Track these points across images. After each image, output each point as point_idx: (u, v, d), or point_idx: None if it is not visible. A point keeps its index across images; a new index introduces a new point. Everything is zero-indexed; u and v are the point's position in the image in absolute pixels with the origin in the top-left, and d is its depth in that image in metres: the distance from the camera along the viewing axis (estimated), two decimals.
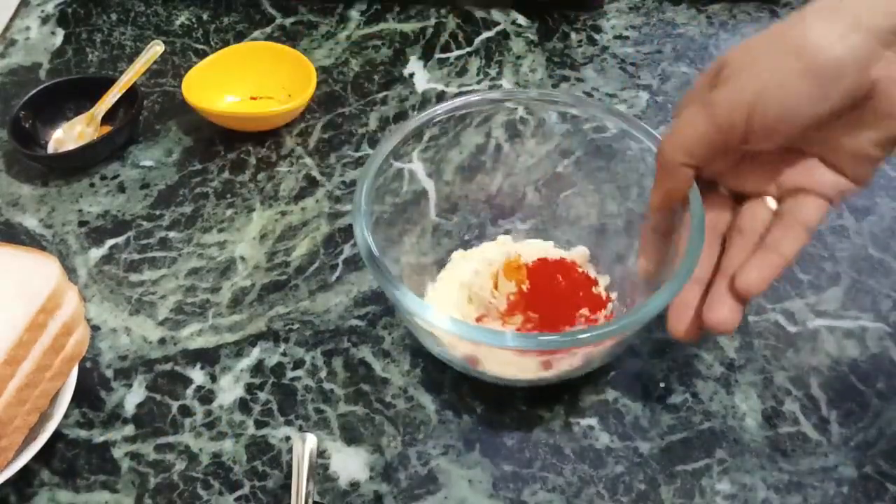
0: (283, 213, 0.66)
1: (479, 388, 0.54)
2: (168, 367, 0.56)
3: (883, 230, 0.63)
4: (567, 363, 0.49)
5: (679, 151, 0.44)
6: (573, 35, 0.81)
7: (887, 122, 0.41)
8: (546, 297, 0.53)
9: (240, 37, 0.82)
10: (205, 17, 0.84)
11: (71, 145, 0.71)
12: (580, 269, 0.56)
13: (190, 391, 0.55)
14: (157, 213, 0.66)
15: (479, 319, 0.55)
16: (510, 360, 0.49)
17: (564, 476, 0.50)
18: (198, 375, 0.56)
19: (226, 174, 0.69)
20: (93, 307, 0.60)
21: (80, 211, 0.67)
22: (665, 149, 0.45)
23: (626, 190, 0.57)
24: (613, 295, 0.57)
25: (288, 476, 0.51)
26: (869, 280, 0.60)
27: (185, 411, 0.54)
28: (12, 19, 0.85)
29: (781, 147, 0.44)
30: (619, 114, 0.55)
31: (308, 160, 0.70)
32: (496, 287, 0.55)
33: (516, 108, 0.58)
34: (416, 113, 0.56)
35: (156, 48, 0.73)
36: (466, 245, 0.60)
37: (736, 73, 0.42)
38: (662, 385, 0.54)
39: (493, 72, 0.77)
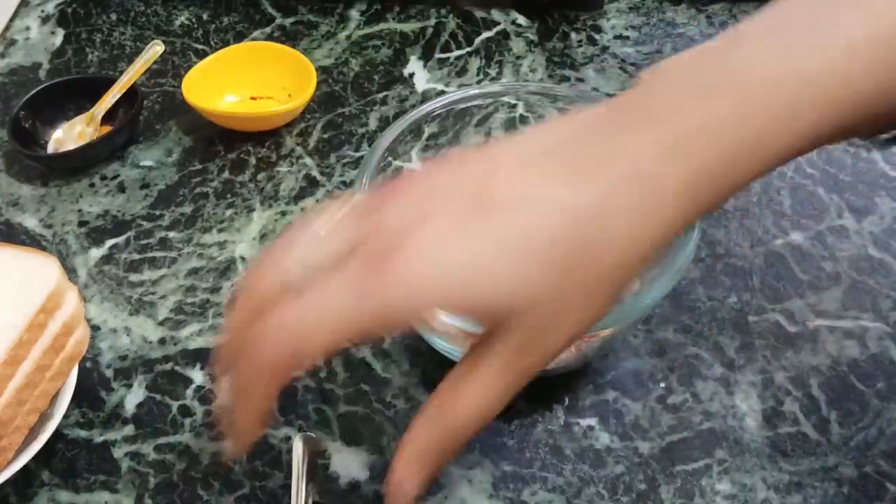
0: (283, 213, 0.66)
1: None
2: (168, 367, 0.56)
3: (883, 230, 0.63)
4: (563, 355, 0.49)
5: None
6: (573, 35, 0.81)
7: None
8: None
9: (240, 37, 0.82)
10: (205, 17, 0.84)
11: (71, 145, 0.71)
12: None
13: (190, 391, 0.55)
14: (157, 213, 0.66)
15: None
16: None
17: (564, 476, 0.50)
18: (198, 375, 0.56)
19: (226, 174, 0.69)
20: (93, 307, 0.60)
21: (80, 211, 0.67)
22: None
23: None
24: None
25: (288, 476, 0.51)
26: (869, 280, 0.60)
27: (185, 411, 0.54)
28: (12, 19, 0.85)
29: None
30: None
31: (308, 160, 0.70)
32: None
33: (516, 106, 0.58)
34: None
35: (156, 48, 0.73)
36: None
37: None
38: (662, 385, 0.54)
39: (493, 72, 0.77)
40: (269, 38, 0.81)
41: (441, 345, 0.52)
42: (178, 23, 0.84)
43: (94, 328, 0.59)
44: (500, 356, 0.32)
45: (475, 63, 0.78)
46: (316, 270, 0.31)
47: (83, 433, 0.53)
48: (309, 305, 0.31)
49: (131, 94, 0.72)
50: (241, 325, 0.33)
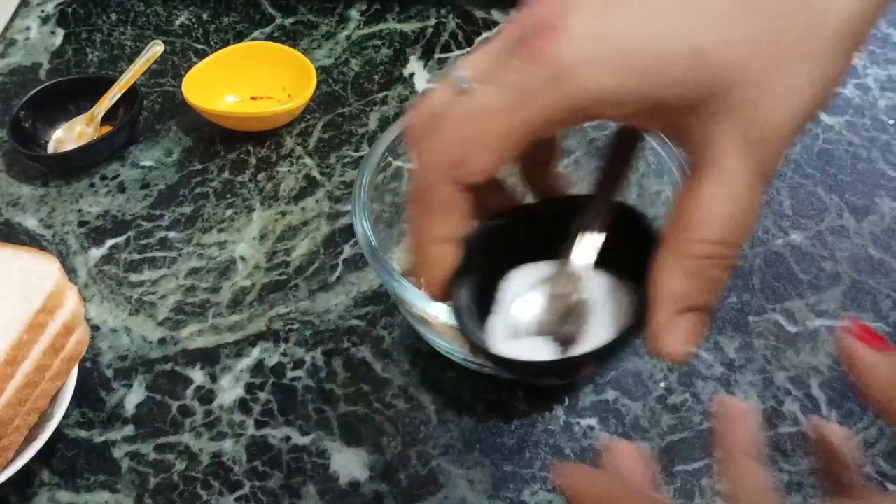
0: (283, 213, 0.66)
1: (479, 388, 0.54)
2: (168, 367, 0.56)
3: (883, 230, 0.63)
4: None
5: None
6: None
7: None
8: None
9: (240, 37, 0.82)
10: (205, 17, 0.84)
11: (71, 145, 0.71)
12: None
13: (190, 391, 0.55)
14: (157, 213, 0.66)
15: None
16: None
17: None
18: (198, 375, 0.56)
19: (226, 174, 0.69)
20: (93, 307, 0.60)
21: (80, 211, 0.67)
22: (418, 142, 0.28)
23: (626, 190, 0.57)
24: None
25: (288, 476, 0.51)
26: (869, 280, 0.60)
27: (185, 411, 0.54)
28: (12, 19, 0.85)
29: None
30: None
31: (308, 160, 0.70)
32: None
33: None
34: None
35: (156, 48, 0.73)
36: None
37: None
38: (662, 385, 0.54)
39: None
40: (269, 38, 0.81)
41: (441, 345, 0.52)
42: (178, 23, 0.84)
43: (94, 328, 0.59)
44: (726, 153, 0.26)
45: None
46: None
47: (83, 433, 0.53)
48: (476, 101, 0.26)
49: (131, 94, 0.72)
50: (416, 132, 0.28)
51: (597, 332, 0.31)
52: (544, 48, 0.25)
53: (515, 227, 0.33)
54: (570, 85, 0.25)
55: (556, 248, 0.32)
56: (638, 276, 0.30)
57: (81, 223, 0.66)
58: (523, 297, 0.32)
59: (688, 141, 0.27)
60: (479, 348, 0.30)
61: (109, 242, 0.64)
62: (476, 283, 0.32)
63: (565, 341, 0.31)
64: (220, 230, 0.65)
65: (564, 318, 0.31)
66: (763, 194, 0.27)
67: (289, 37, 0.81)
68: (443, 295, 0.30)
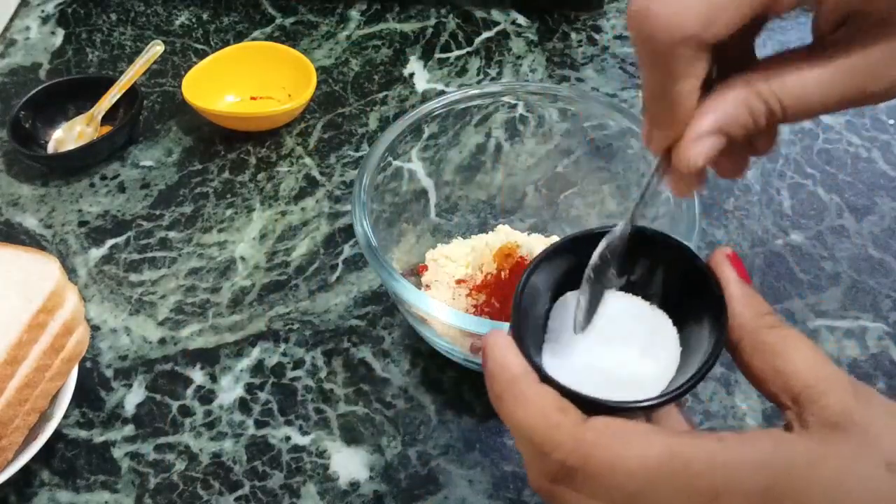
0: (283, 213, 0.66)
1: (479, 388, 0.54)
2: (168, 367, 0.56)
3: (883, 230, 0.63)
4: None
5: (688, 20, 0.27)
6: (573, 35, 0.81)
7: None
8: (513, 293, 0.53)
9: (240, 37, 0.82)
10: (205, 17, 0.84)
11: (71, 145, 0.71)
12: None
13: (190, 391, 0.55)
14: (157, 213, 0.66)
15: (459, 281, 0.55)
16: None
17: None
18: (198, 375, 0.56)
19: (226, 174, 0.69)
20: (93, 307, 0.60)
21: (80, 211, 0.67)
22: (657, 10, 0.28)
23: (626, 190, 0.57)
24: None
25: (288, 476, 0.51)
26: (869, 280, 0.60)
27: (185, 411, 0.54)
28: (12, 19, 0.85)
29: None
30: (621, 109, 0.55)
31: (308, 160, 0.70)
32: (485, 263, 0.55)
33: (516, 106, 0.58)
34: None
35: (156, 48, 0.73)
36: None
37: None
38: None
39: (493, 72, 0.77)
40: (269, 38, 0.81)
41: (441, 345, 0.52)
42: (178, 23, 0.84)
43: (94, 328, 0.59)
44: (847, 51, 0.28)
45: (475, 63, 0.78)
46: None
47: (83, 433, 0.53)
48: None
49: (131, 94, 0.72)
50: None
51: (648, 364, 0.32)
52: None
53: (560, 260, 0.34)
54: None
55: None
56: (683, 310, 0.32)
57: (81, 223, 0.66)
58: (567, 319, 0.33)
59: None
60: (550, 380, 0.30)
61: (109, 242, 0.64)
62: (533, 313, 0.33)
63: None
64: (220, 230, 0.65)
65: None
66: None
67: (289, 37, 0.81)
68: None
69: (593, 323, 0.33)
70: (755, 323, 0.29)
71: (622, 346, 0.32)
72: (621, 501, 0.27)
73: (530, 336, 0.32)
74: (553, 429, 0.28)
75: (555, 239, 0.60)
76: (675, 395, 0.30)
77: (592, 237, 0.34)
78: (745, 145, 0.32)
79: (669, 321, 0.33)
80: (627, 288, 0.34)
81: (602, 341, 0.33)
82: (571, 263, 0.34)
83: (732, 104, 0.29)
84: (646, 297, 0.34)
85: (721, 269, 0.31)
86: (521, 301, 0.32)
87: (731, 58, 0.30)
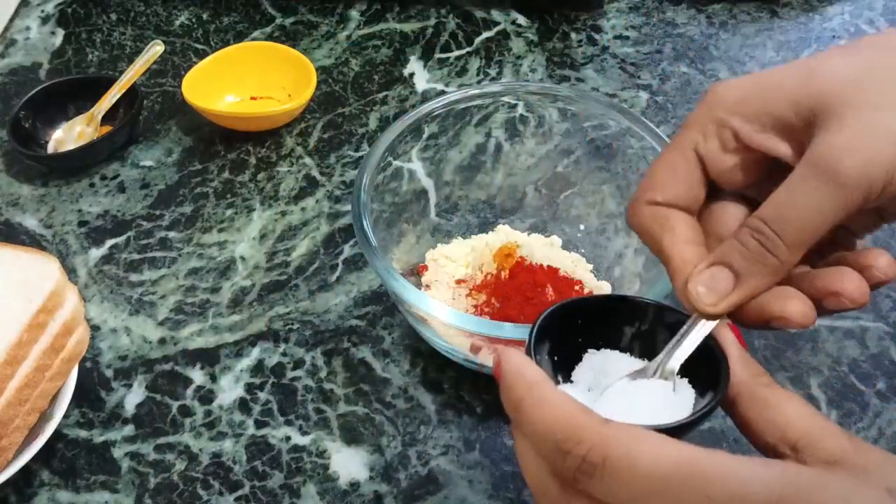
0: (283, 213, 0.66)
1: (479, 388, 0.54)
2: (168, 367, 0.56)
3: (883, 230, 0.63)
4: None
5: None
6: (573, 35, 0.81)
7: None
8: (513, 293, 0.53)
9: (240, 37, 0.82)
10: (205, 17, 0.84)
11: (71, 145, 0.71)
12: (576, 287, 0.56)
13: (190, 391, 0.55)
14: (157, 213, 0.66)
15: (459, 281, 0.56)
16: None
17: None
18: (198, 375, 0.56)
19: (226, 174, 0.69)
20: (93, 307, 0.60)
21: (80, 211, 0.67)
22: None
23: (626, 190, 0.57)
24: None
25: (288, 476, 0.51)
26: None
27: (185, 411, 0.54)
28: (12, 19, 0.85)
29: None
30: (621, 109, 0.55)
31: (308, 160, 0.70)
32: (485, 263, 0.55)
33: (516, 106, 0.58)
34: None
35: (156, 48, 0.73)
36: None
37: (853, 117, 0.30)
38: None
39: (493, 72, 0.77)
40: (269, 38, 0.81)
41: (441, 345, 0.52)
42: (178, 23, 0.84)
43: (94, 328, 0.59)
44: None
45: (475, 63, 0.78)
46: None
47: (83, 433, 0.53)
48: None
49: (131, 94, 0.72)
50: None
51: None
52: None
53: (579, 314, 0.36)
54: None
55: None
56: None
57: (81, 223, 0.66)
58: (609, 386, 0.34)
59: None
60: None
61: (109, 242, 0.64)
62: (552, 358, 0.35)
63: None
64: (220, 230, 0.65)
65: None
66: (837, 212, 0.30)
67: (289, 37, 0.81)
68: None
69: (601, 380, 0.34)
70: (751, 381, 0.31)
71: (631, 399, 0.33)
72: (636, 500, 0.27)
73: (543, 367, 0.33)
74: (578, 424, 0.28)
75: (555, 239, 0.60)
76: (691, 421, 0.31)
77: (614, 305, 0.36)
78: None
79: (681, 380, 0.34)
80: (632, 351, 0.36)
81: (612, 397, 0.33)
82: (590, 320, 0.35)
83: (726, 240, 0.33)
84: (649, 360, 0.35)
85: (721, 333, 0.33)
86: (537, 334, 0.33)
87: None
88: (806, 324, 0.33)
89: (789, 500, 0.26)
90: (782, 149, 0.32)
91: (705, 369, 0.32)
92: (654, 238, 0.34)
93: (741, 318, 0.33)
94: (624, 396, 0.33)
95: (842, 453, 0.28)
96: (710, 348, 0.32)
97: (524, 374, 0.30)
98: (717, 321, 0.33)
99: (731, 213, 0.35)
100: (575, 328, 0.35)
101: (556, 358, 0.35)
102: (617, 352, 0.35)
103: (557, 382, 0.34)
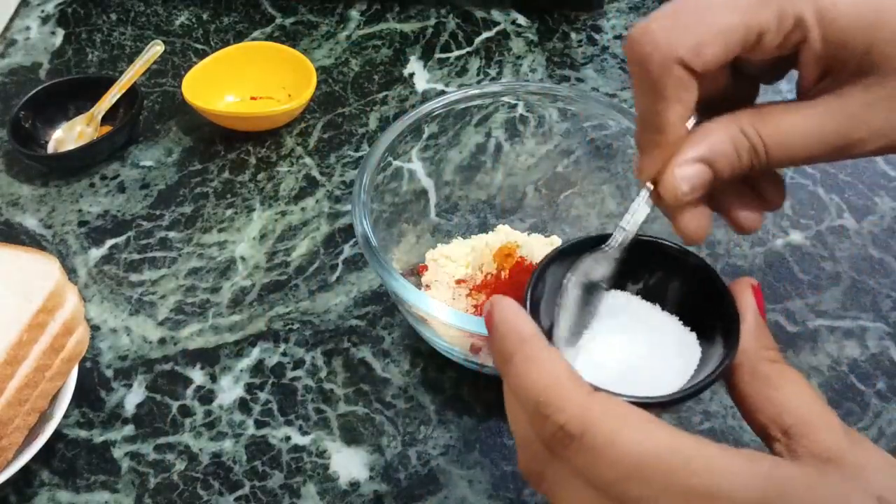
0: (283, 213, 0.66)
1: (479, 387, 0.54)
2: (168, 367, 0.56)
3: (883, 230, 0.63)
4: None
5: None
6: (573, 35, 0.81)
7: None
8: (513, 293, 0.53)
9: (240, 37, 0.82)
10: (205, 17, 0.84)
11: (71, 145, 0.71)
12: None
13: (190, 391, 0.55)
14: (157, 213, 0.66)
15: (459, 281, 0.56)
16: None
17: None
18: (198, 375, 0.56)
19: (226, 174, 0.69)
20: (93, 307, 0.60)
21: (80, 211, 0.67)
22: (654, 33, 0.30)
23: (626, 190, 0.57)
24: None
25: (288, 476, 0.51)
26: (869, 280, 0.60)
27: (185, 411, 0.54)
28: (12, 19, 0.85)
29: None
30: (621, 109, 0.55)
31: (308, 160, 0.70)
32: (485, 263, 0.55)
33: (516, 106, 0.58)
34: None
35: (156, 48, 0.73)
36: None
37: None
38: None
39: (493, 72, 0.77)
40: (269, 38, 0.81)
41: (441, 345, 0.52)
42: (178, 23, 0.84)
43: (94, 328, 0.59)
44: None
45: (475, 63, 0.78)
46: None
47: (83, 433, 0.53)
48: None
49: (131, 94, 0.72)
50: (655, 17, 0.31)
51: (660, 371, 0.32)
52: None
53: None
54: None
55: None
56: (703, 327, 0.33)
57: (81, 223, 0.66)
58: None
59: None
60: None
61: (109, 242, 0.64)
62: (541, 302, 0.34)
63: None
64: (220, 230, 0.65)
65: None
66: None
67: (289, 37, 0.81)
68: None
69: (603, 321, 0.33)
70: (758, 353, 0.30)
71: (631, 344, 0.33)
72: (610, 482, 0.26)
73: (540, 318, 0.33)
74: (562, 391, 0.27)
75: (555, 239, 0.60)
76: (681, 398, 0.30)
77: (598, 240, 0.34)
78: (755, 197, 0.33)
79: (686, 329, 0.34)
80: (643, 294, 0.35)
81: (611, 339, 0.33)
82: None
83: (717, 136, 0.31)
84: (661, 305, 0.34)
85: (743, 295, 0.32)
86: (534, 284, 0.33)
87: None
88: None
89: (773, 500, 0.25)
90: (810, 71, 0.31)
91: (717, 330, 0.32)
92: (661, 100, 0.30)
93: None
94: (613, 333, 0.33)
95: (836, 450, 0.27)
96: (726, 308, 0.32)
97: (516, 326, 0.29)
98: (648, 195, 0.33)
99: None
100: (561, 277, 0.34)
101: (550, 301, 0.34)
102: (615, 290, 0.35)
103: (550, 336, 0.33)
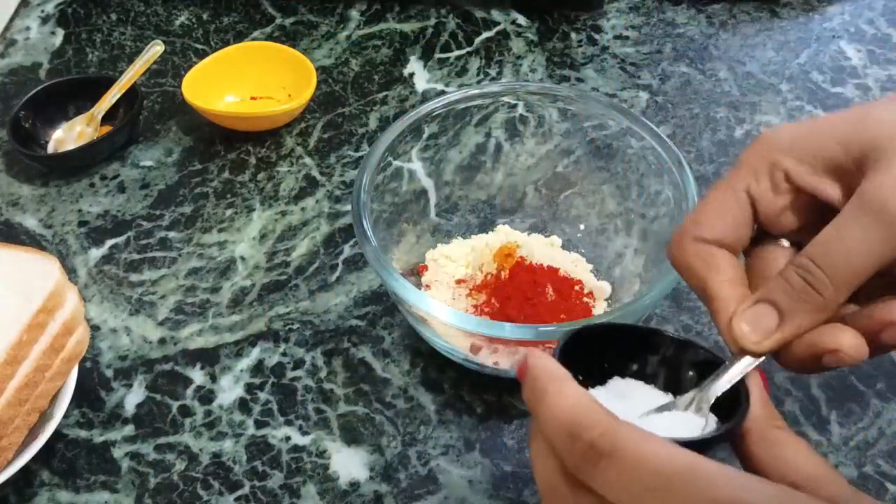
0: (283, 213, 0.66)
1: (479, 387, 0.54)
2: (168, 367, 0.56)
3: None
4: None
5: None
6: (573, 35, 0.81)
7: None
8: (513, 293, 0.53)
9: (240, 37, 0.82)
10: (205, 17, 0.84)
11: (71, 145, 0.71)
12: (576, 287, 0.56)
13: (190, 391, 0.55)
14: (157, 213, 0.66)
15: (459, 281, 0.56)
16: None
17: None
18: (198, 375, 0.56)
19: (226, 174, 0.69)
20: (93, 307, 0.60)
21: (80, 211, 0.67)
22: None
23: (627, 190, 0.57)
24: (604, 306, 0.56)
25: (288, 476, 0.51)
26: None
27: (185, 411, 0.54)
28: (12, 19, 0.85)
29: None
30: (621, 109, 0.55)
31: (308, 160, 0.70)
32: (485, 263, 0.55)
33: (516, 106, 0.58)
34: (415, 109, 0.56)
35: (156, 48, 0.73)
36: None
37: None
38: None
39: (493, 72, 0.77)
40: (269, 38, 0.81)
41: (441, 345, 0.52)
42: (178, 23, 0.84)
43: (94, 328, 0.59)
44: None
45: (475, 63, 0.78)
46: None
47: (83, 433, 0.53)
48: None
49: (131, 94, 0.72)
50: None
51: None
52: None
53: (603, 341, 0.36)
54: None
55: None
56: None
57: (81, 223, 0.66)
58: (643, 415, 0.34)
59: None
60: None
61: (109, 242, 0.64)
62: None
63: None
64: (220, 230, 0.65)
65: None
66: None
67: (289, 37, 0.81)
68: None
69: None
70: (766, 421, 0.31)
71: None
72: (638, 496, 0.27)
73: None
74: (593, 413, 0.29)
75: (555, 239, 0.60)
76: (707, 440, 0.31)
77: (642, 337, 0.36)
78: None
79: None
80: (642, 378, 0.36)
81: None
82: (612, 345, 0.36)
83: (774, 278, 0.33)
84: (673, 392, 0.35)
85: (748, 376, 0.33)
86: (560, 354, 0.34)
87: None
88: (859, 356, 0.32)
89: None
90: (832, 191, 0.33)
91: (726, 405, 0.33)
92: (698, 275, 0.34)
93: (790, 356, 0.33)
94: (650, 424, 0.33)
95: (843, 500, 0.28)
96: (734, 387, 0.33)
97: (550, 369, 0.31)
98: (760, 360, 0.32)
99: (776, 256, 0.35)
100: (597, 352, 0.35)
101: (579, 378, 0.35)
102: (642, 382, 0.35)
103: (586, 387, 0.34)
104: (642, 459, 0.27)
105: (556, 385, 0.30)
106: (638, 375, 0.35)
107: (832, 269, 0.31)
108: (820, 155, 0.33)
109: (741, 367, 0.33)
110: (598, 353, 0.35)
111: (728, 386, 0.33)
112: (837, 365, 0.32)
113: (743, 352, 0.33)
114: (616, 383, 0.35)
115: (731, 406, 0.32)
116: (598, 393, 0.34)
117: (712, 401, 0.33)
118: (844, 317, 0.33)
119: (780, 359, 0.33)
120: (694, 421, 0.33)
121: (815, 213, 0.34)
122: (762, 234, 0.36)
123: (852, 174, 0.32)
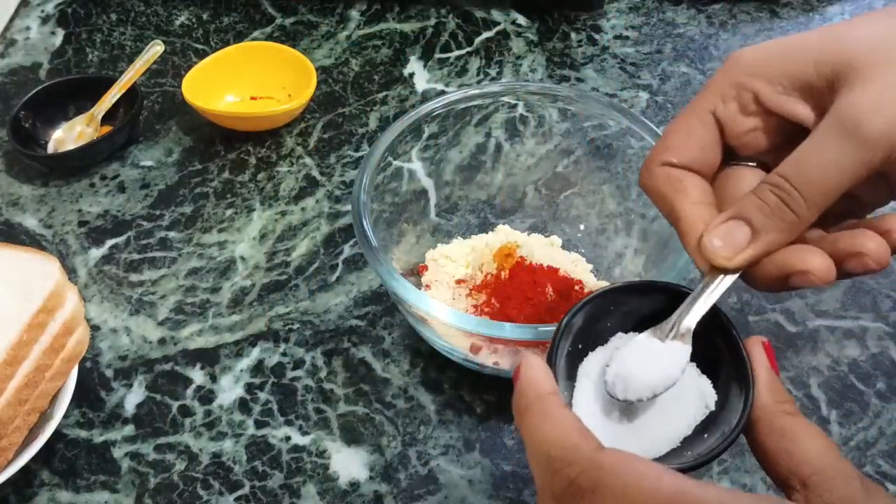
0: (283, 213, 0.66)
1: (479, 387, 0.54)
2: (168, 367, 0.56)
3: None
4: None
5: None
6: (573, 35, 0.81)
7: None
8: (513, 293, 0.53)
9: (240, 37, 0.82)
10: (205, 17, 0.84)
11: (71, 145, 0.71)
12: (576, 287, 0.56)
13: (190, 391, 0.55)
14: (157, 213, 0.66)
15: (459, 281, 0.56)
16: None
17: None
18: (198, 375, 0.56)
19: (226, 174, 0.69)
20: (93, 307, 0.60)
21: (80, 211, 0.67)
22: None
23: (626, 190, 0.57)
24: None
25: (288, 476, 0.51)
26: (869, 280, 0.60)
27: (185, 411, 0.54)
28: (12, 19, 0.85)
29: None
30: (621, 109, 0.55)
31: (308, 160, 0.70)
32: (485, 263, 0.56)
33: (516, 106, 0.58)
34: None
35: (156, 48, 0.73)
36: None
37: (878, 76, 0.30)
38: None
39: (493, 72, 0.77)
40: (269, 38, 0.81)
41: (441, 345, 0.52)
42: (178, 23, 0.84)
43: (94, 328, 0.59)
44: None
45: (475, 63, 0.78)
46: None
47: (83, 433, 0.53)
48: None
49: (131, 94, 0.72)
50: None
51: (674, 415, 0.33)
52: None
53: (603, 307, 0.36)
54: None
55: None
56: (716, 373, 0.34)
57: (81, 223, 0.66)
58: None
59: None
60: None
61: (109, 242, 0.64)
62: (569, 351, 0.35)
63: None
64: (220, 230, 0.65)
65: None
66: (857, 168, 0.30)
67: (289, 37, 0.81)
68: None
69: (625, 369, 0.34)
70: (774, 407, 0.31)
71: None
72: None
73: (563, 370, 0.34)
74: (571, 447, 0.28)
75: (555, 239, 0.60)
76: (694, 465, 0.31)
77: (637, 290, 0.35)
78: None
79: (702, 377, 0.34)
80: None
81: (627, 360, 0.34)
82: (615, 311, 0.36)
83: (746, 196, 0.32)
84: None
85: (754, 353, 0.32)
86: (559, 338, 0.34)
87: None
88: (827, 279, 0.31)
89: None
90: (802, 111, 0.32)
91: (733, 381, 0.33)
92: (666, 199, 0.34)
93: (759, 275, 0.32)
94: (637, 354, 0.33)
95: (852, 500, 0.28)
96: (742, 364, 0.32)
97: (537, 382, 0.31)
98: (730, 281, 0.32)
99: (746, 178, 0.34)
100: (604, 316, 0.35)
101: (580, 346, 0.35)
102: (643, 332, 0.35)
103: (573, 379, 0.34)
104: (627, 493, 0.27)
105: (539, 405, 0.30)
106: (638, 327, 0.35)
107: (806, 188, 0.30)
108: (789, 73, 0.32)
109: (715, 287, 0.32)
110: (602, 317, 0.35)
111: (706, 309, 0.33)
112: (805, 285, 0.32)
113: (713, 270, 0.32)
114: (617, 339, 0.35)
115: (738, 376, 0.32)
116: (596, 358, 0.35)
117: (693, 325, 0.33)
118: (809, 241, 0.32)
119: (749, 278, 0.33)
120: (678, 352, 0.33)
121: (784, 135, 0.33)
122: (731, 157, 0.35)
123: (823, 93, 0.31)
